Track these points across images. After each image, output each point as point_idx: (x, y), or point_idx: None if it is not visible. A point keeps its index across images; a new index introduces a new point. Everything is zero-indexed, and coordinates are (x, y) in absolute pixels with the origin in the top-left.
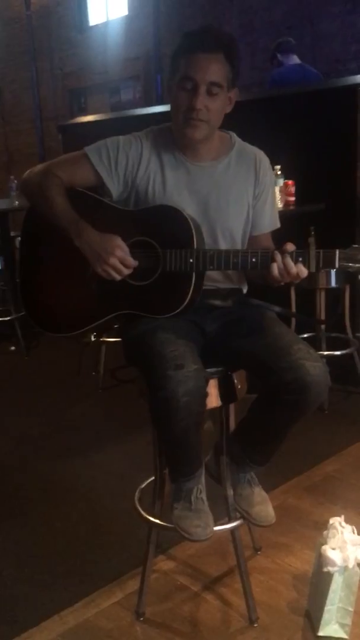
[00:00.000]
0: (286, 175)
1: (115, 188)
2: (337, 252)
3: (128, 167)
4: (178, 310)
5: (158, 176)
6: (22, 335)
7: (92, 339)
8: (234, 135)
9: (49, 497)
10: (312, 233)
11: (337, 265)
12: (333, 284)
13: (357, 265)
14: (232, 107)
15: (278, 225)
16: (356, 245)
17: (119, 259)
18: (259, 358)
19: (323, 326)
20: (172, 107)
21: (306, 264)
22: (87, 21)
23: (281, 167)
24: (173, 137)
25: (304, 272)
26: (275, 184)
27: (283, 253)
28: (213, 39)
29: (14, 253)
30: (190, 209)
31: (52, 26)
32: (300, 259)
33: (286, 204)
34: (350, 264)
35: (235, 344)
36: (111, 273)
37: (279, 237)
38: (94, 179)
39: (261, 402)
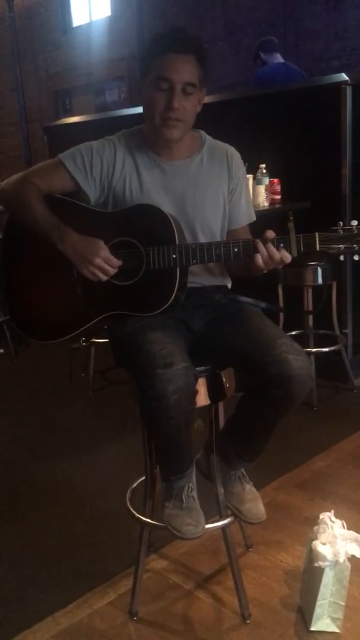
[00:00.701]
0: (271, 173)
1: (92, 192)
2: (317, 234)
3: (103, 170)
4: (164, 307)
5: (134, 177)
6: (10, 338)
7: (83, 344)
8: (204, 133)
9: (40, 498)
10: (291, 218)
11: (317, 247)
12: (320, 281)
13: (338, 246)
14: (203, 107)
15: (254, 218)
16: (335, 227)
17: (104, 259)
18: (244, 353)
19: (311, 323)
20: (145, 108)
21: (288, 249)
22: (70, 22)
23: (266, 165)
24: (145, 138)
25: (287, 257)
26: (261, 182)
27: (264, 241)
28: (184, 41)
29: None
30: (167, 208)
31: (36, 27)
32: (282, 244)
33: (272, 202)
34: (331, 245)
35: (221, 340)
36: (97, 274)
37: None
38: (70, 184)
39: (248, 399)
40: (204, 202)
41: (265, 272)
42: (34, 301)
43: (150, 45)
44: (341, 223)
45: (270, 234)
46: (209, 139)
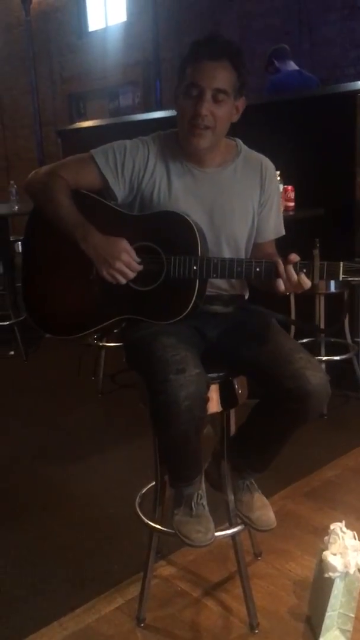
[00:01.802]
0: (285, 181)
1: (120, 192)
2: (342, 264)
3: (134, 171)
4: (180, 317)
5: (164, 182)
6: (21, 340)
7: (94, 341)
8: (240, 142)
9: (48, 502)
10: (317, 245)
11: (340, 277)
12: (332, 289)
13: None
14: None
15: (283, 232)
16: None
17: (125, 263)
18: (260, 365)
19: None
20: (178, 115)
21: (309, 275)
22: (86, 27)
23: (280, 172)
24: (179, 142)
25: (306, 283)
26: None
27: (287, 264)
28: (219, 46)
29: (13, 258)
30: (195, 215)
31: (52, 32)
32: (305, 270)
33: (285, 209)
34: (354, 278)
35: (236, 351)
36: (117, 277)
37: (278, 242)
38: (99, 182)
39: (261, 409)
40: (232, 212)
41: (287, 294)
42: (51, 296)
43: (187, 53)
44: None
45: (294, 257)
46: (244, 148)
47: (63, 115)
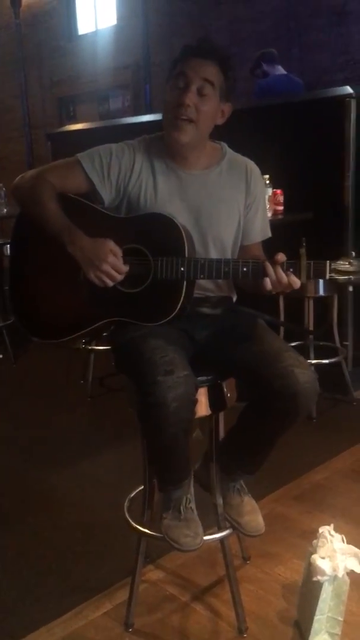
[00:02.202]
0: (274, 184)
1: (107, 195)
2: (328, 263)
3: (120, 174)
4: (168, 318)
5: (150, 184)
6: (9, 343)
7: (82, 345)
8: (225, 145)
9: (36, 506)
10: (304, 244)
11: (327, 276)
12: (321, 292)
13: (346, 277)
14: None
15: (269, 234)
16: (346, 257)
17: (111, 265)
18: (249, 366)
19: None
20: (163, 110)
21: (297, 274)
22: (76, 30)
23: (270, 176)
24: (165, 145)
25: (296, 282)
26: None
27: (274, 264)
28: (209, 48)
29: (2, 261)
30: (181, 218)
31: (41, 35)
32: (292, 269)
33: (274, 213)
34: (341, 277)
35: (225, 352)
36: (104, 279)
37: (267, 245)
38: (86, 185)
39: (250, 410)
40: (219, 215)
41: (273, 293)
42: (39, 300)
43: (177, 55)
44: (353, 253)
45: (281, 257)
46: (229, 151)
47: (53, 118)
